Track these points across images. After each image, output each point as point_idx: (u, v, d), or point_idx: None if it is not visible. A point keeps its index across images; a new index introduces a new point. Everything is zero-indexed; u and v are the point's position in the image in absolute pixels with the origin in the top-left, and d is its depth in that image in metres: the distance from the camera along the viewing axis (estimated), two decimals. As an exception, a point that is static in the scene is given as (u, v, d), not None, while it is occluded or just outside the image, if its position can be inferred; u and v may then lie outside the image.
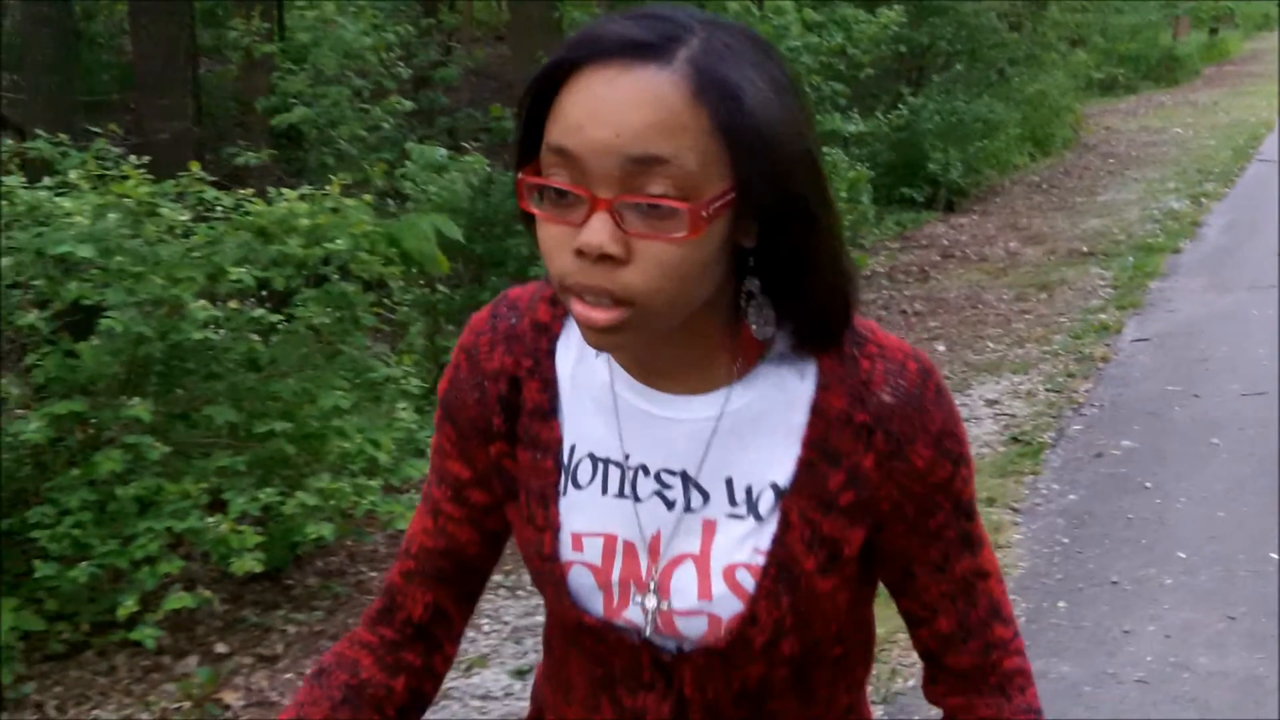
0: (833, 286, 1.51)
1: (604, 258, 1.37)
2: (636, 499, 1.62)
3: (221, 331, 5.49)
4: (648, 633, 1.62)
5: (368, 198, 6.19)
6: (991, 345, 9.57)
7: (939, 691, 1.74)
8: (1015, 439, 7.53)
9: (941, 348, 9.52)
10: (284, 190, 5.85)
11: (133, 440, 5.09)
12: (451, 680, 5.04)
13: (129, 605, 4.97)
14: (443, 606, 1.80)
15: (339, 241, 5.67)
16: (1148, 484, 6.74)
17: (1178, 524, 6.23)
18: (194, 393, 5.68)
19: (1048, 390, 8.40)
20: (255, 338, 5.77)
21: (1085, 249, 12.49)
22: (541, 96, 1.42)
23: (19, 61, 10.81)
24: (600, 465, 1.64)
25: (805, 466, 1.56)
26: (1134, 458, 7.17)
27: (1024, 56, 16.87)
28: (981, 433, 7.68)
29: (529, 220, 1.47)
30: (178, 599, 5.04)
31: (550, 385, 1.66)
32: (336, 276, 5.99)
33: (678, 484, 1.60)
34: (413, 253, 6.45)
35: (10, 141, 6.43)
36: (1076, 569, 5.83)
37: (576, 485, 1.64)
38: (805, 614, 1.58)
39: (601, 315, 1.40)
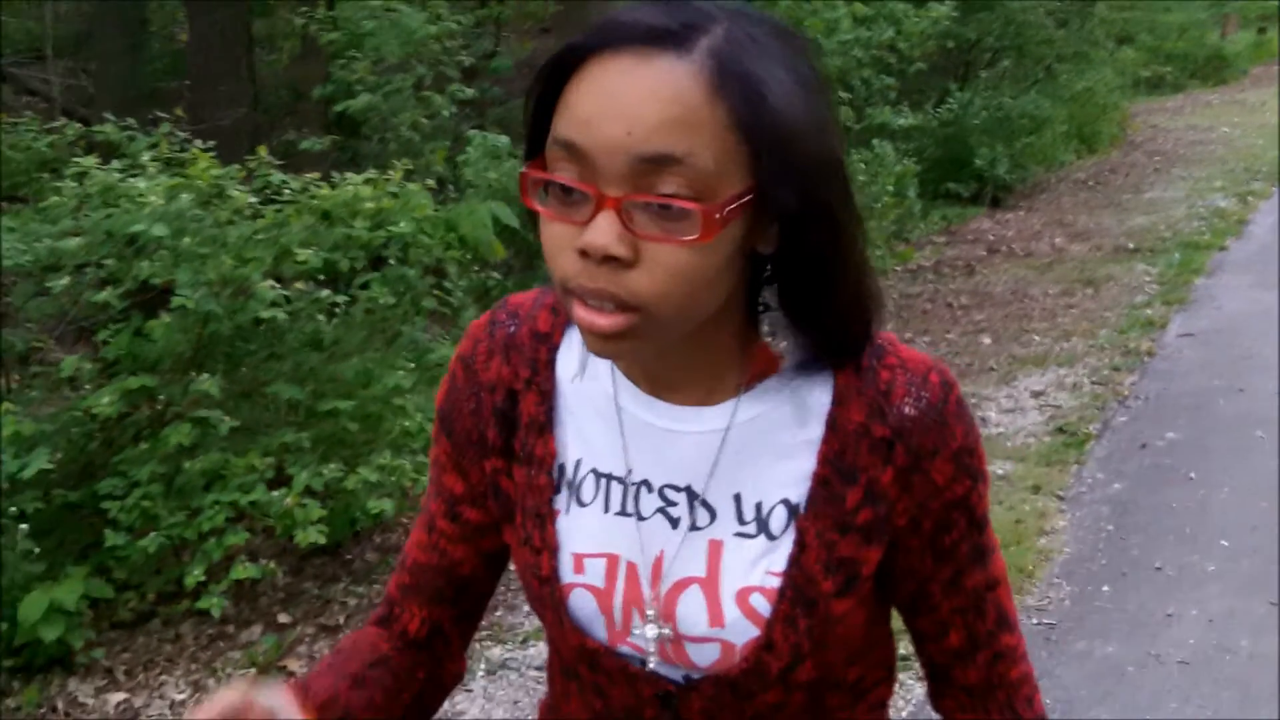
0: (854, 300, 1.43)
1: (609, 259, 1.29)
2: (639, 517, 1.54)
3: (283, 313, 5.58)
4: (651, 665, 1.55)
5: (431, 182, 6.32)
6: (1037, 339, 9.63)
7: (947, 706, 1.68)
8: (1061, 430, 7.61)
9: (987, 340, 9.59)
10: (348, 174, 5.98)
11: (203, 414, 5.23)
12: (509, 651, 5.18)
13: (196, 575, 5.12)
14: (440, 625, 1.73)
15: (402, 224, 5.79)
16: (1191, 474, 6.82)
17: (1221, 513, 6.31)
18: (257, 373, 5.81)
19: (1093, 383, 8.47)
20: (321, 318, 5.89)
21: (1131, 245, 12.51)
22: (551, 86, 1.34)
23: (75, 48, 10.97)
24: (603, 481, 1.56)
25: (821, 484, 1.48)
26: (1178, 449, 7.24)
27: (1071, 53, 16.84)
28: (1027, 423, 7.77)
29: (534, 218, 1.39)
30: (243, 569, 5.18)
31: (548, 397, 1.58)
32: (394, 261, 6.11)
33: (682, 500, 1.52)
34: (470, 238, 6.57)
35: (78, 125, 6.56)
36: (1121, 555, 5.92)
37: (580, 503, 1.57)
38: (822, 638, 1.50)
39: (605, 321, 1.32)
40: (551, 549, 1.56)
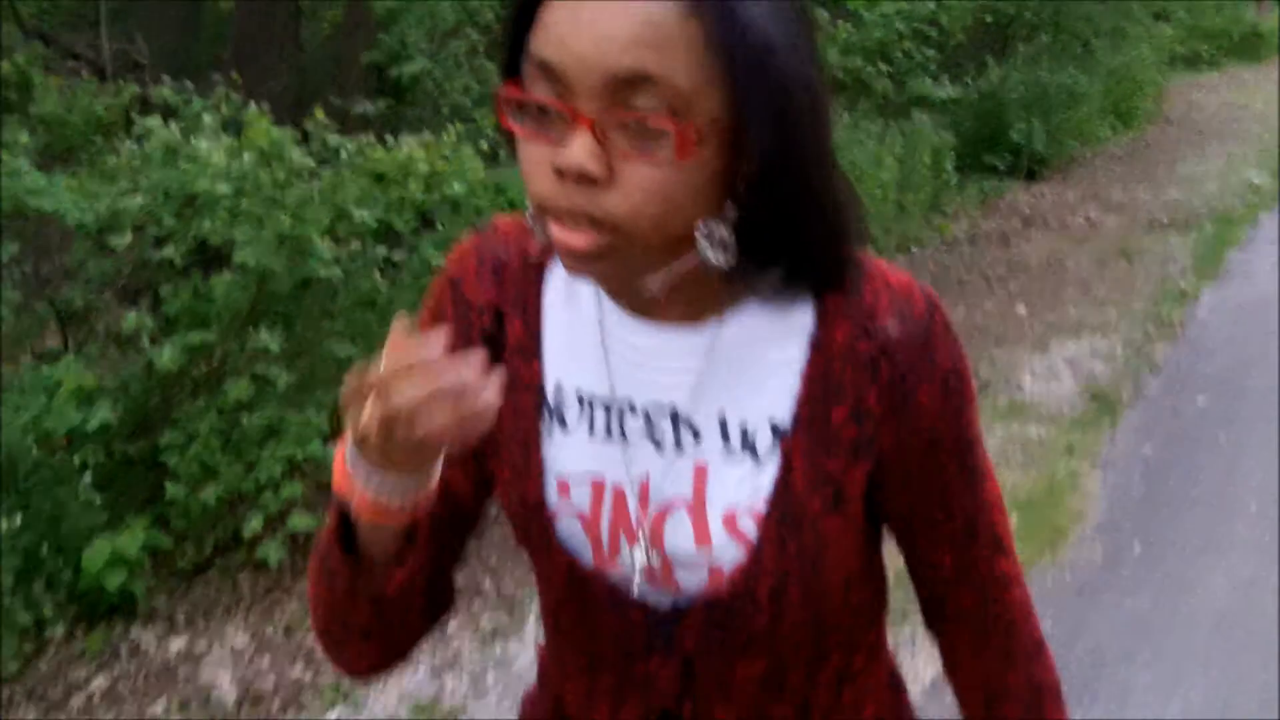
0: (832, 222, 1.40)
1: (584, 179, 1.26)
2: (624, 439, 1.52)
3: (338, 271, 5.67)
4: (635, 592, 1.54)
5: (484, 145, 6.44)
6: (1072, 308, 9.67)
7: (943, 632, 1.68)
8: (1094, 396, 7.71)
9: (1022, 309, 9.66)
10: (403, 137, 6.10)
11: (262, 370, 5.36)
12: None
13: (254, 526, 5.24)
14: (436, 558, 1.59)
15: (456, 186, 5.91)
16: (1221, 440, 6.93)
17: (1249, 478, 6.42)
18: (309, 331, 5.94)
19: (1126, 351, 8.56)
20: (377, 276, 6.01)
21: (1165, 219, 12.52)
22: (527, 4, 1.32)
23: (119, 15, 11.07)
24: (587, 404, 1.53)
25: (806, 403, 1.46)
26: (1209, 416, 7.34)
27: (1109, 29, 16.83)
28: (1061, 389, 7.86)
29: (512, 139, 1.36)
30: (300, 520, 5.32)
31: (535, 321, 1.56)
32: (443, 225, 6.22)
33: (667, 423, 1.50)
34: (519, 202, 6.70)
35: (134, 88, 6.69)
36: (1152, 516, 6.04)
37: (563, 426, 1.55)
38: (812, 559, 1.47)
39: (580, 240, 1.29)
40: (537, 474, 1.55)
